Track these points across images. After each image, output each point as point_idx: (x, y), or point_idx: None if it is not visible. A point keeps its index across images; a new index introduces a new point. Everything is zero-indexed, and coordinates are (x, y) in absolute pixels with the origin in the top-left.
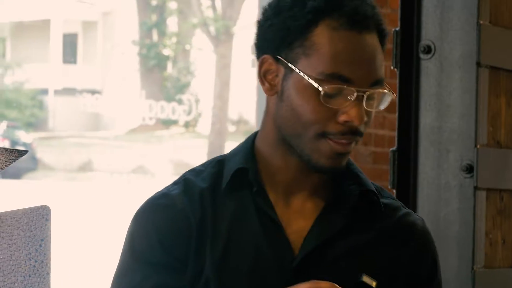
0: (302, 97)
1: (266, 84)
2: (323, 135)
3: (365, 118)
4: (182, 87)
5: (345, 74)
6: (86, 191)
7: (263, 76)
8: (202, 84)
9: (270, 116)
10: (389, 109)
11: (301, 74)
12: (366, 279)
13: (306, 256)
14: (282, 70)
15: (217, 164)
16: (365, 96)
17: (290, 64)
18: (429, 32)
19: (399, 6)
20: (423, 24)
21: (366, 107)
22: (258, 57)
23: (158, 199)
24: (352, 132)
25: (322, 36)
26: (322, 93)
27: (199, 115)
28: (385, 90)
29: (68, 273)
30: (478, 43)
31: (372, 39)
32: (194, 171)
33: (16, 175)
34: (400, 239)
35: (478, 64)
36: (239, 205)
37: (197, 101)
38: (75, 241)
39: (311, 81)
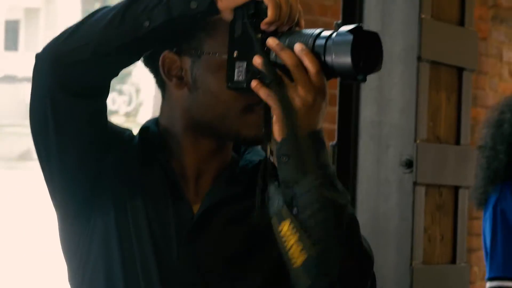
0: (218, 77)
1: (174, 80)
2: (249, 107)
3: None
4: (123, 77)
5: None
6: (26, 180)
7: (167, 73)
8: (143, 73)
9: (178, 109)
10: (329, 102)
11: (211, 54)
12: None
13: (203, 213)
14: (187, 60)
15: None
16: None
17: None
18: (371, 25)
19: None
20: (365, 17)
21: None
22: (150, 59)
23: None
24: None
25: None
26: None
27: (140, 104)
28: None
29: (7, 262)
30: (419, 37)
31: None
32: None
33: None
34: None
35: (419, 59)
36: (148, 172)
37: (138, 90)
38: (15, 229)
39: (224, 57)
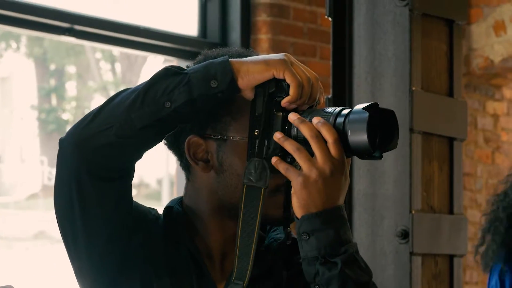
0: (244, 159)
1: (200, 164)
2: (276, 188)
3: None
4: None
5: None
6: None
7: (193, 157)
8: None
9: (204, 191)
10: None
11: (238, 139)
12: None
13: None
14: (212, 143)
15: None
16: None
17: (221, 135)
18: (361, 98)
19: (331, 72)
20: (355, 91)
21: None
22: (175, 142)
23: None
24: None
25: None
26: None
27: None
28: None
29: None
30: (410, 109)
31: None
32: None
33: None
34: None
35: (411, 130)
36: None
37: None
38: None
39: None
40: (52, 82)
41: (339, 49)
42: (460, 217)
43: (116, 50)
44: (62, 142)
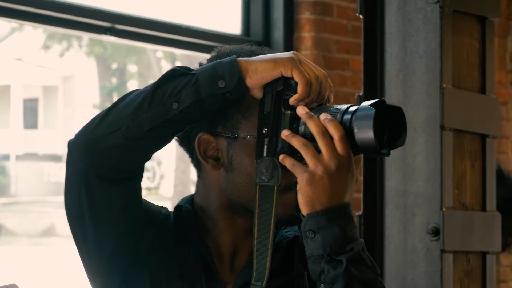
0: (253, 158)
1: (211, 161)
2: (286, 187)
3: None
4: None
5: None
6: (50, 256)
7: (203, 154)
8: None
9: (214, 189)
10: None
11: (248, 137)
12: None
13: None
14: (222, 141)
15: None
16: None
17: (232, 133)
18: (392, 95)
19: (362, 70)
20: (386, 88)
21: None
22: (186, 139)
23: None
24: None
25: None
26: None
27: (162, 177)
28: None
29: None
30: (441, 106)
31: None
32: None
33: None
34: None
35: (442, 127)
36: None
37: (159, 163)
38: None
39: None
40: (114, 81)
41: (370, 46)
42: (493, 214)
43: (158, 49)
44: (70, 144)
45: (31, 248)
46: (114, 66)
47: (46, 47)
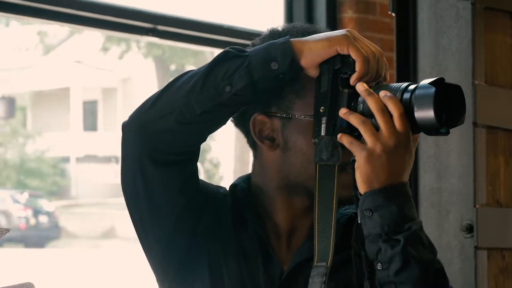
0: (309, 138)
1: (266, 142)
2: (342, 167)
3: None
4: (202, 152)
5: None
6: (110, 258)
7: (258, 135)
8: (222, 147)
9: (270, 169)
10: None
11: (302, 117)
12: None
13: (292, 270)
14: (277, 122)
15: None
16: None
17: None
18: None
19: (395, 67)
20: None
21: None
22: (241, 120)
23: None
24: None
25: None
26: None
27: (221, 178)
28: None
29: None
30: (474, 103)
31: None
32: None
33: (40, 244)
34: None
35: (475, 124)
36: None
37: (217, 164)
38: None
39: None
40: None
41: (403, 44)
42: None
43: (199, 49)
44: (125, 126)
45: (91, 250)
46: (173, 67)
47: (104, 49)
